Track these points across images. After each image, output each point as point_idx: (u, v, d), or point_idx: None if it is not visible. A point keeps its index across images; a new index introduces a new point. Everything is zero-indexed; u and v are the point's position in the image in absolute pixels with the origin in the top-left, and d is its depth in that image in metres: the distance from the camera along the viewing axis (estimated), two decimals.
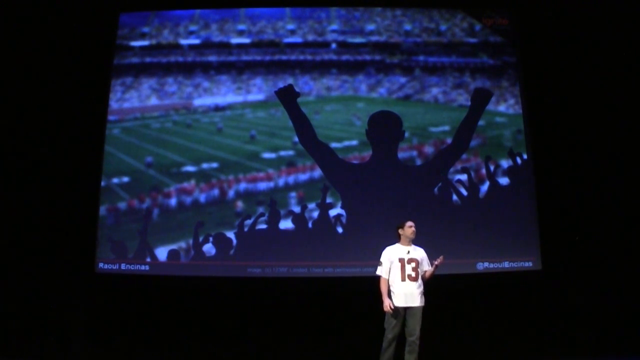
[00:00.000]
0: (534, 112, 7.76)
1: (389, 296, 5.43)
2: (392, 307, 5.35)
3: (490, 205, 7.49)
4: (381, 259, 5.57)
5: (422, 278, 5.52)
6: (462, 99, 7.94)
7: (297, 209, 7.43)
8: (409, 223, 5.59)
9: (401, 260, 5.48)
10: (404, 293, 5.41)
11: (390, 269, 5.50)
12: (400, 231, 5.60)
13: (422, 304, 5.45)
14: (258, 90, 8.02)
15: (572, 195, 7.49)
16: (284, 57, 8.09)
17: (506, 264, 7.30)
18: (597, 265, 7.29)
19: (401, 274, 5.45)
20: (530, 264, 7.29)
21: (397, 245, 5.60)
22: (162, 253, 7.34)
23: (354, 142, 7.75)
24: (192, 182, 7.63)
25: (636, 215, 7.40)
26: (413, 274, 5.45)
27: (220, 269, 7.30)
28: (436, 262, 5.46)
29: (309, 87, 7.99)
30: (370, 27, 8.20)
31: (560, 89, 7.74)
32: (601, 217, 7.41)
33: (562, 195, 7.49)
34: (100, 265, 7.32)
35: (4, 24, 7.77)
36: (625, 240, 7.35)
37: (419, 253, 5.57)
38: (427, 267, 5.55)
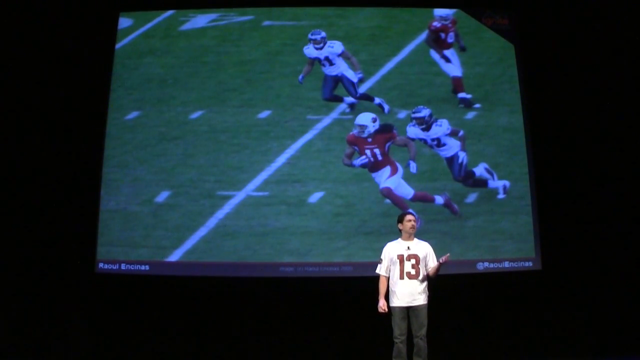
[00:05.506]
0: (533, 112, 7.75)
1: (389, 295, 5.14)
2: (386, 308, 5.06)
3: (490, 205, 7.49)
4: (381, 256, 5.21)
5: (426, 274, 5.11)
6: None
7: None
8: (408, 217, 5.20)
9: (400, 257, 5.08)
10: (404, 292, 5.02)
11: (390, 266, 5.12)
12: (399, 226, 5.20)
13: (425, 302, 5.07)
14: None
15: (572, 196, 7.49)
16: None
17: (506, 264, 7.29)
18: (597, 265, 7.29)
19: (400, 271, 5.06)
20: (530, 263, 7.28)
21: (397, 241, 5.20)
22: None
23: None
24: None
25: (636, 215, 7.40)
26: (413, 272, 5.04)
27: (220, 269, 7.30)
28: (441, 260, 5.02)
29: None
30: None
31: (561, 89, 7.74)
32: (601, 216, 7.41)
33: (562, 196, 7.49)
34: (100, 265, 7.30)
35: (4, 24, 7.76)
36: (625, 240, 7.34)
37: (421, 248, 5.15)
38: (432, 263, 5.11)
